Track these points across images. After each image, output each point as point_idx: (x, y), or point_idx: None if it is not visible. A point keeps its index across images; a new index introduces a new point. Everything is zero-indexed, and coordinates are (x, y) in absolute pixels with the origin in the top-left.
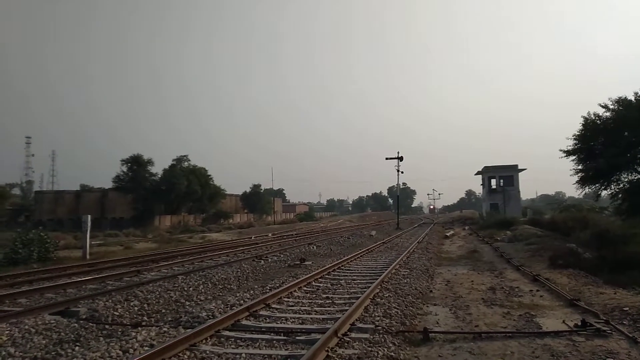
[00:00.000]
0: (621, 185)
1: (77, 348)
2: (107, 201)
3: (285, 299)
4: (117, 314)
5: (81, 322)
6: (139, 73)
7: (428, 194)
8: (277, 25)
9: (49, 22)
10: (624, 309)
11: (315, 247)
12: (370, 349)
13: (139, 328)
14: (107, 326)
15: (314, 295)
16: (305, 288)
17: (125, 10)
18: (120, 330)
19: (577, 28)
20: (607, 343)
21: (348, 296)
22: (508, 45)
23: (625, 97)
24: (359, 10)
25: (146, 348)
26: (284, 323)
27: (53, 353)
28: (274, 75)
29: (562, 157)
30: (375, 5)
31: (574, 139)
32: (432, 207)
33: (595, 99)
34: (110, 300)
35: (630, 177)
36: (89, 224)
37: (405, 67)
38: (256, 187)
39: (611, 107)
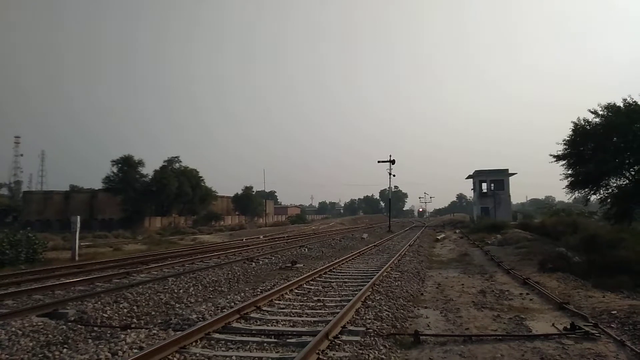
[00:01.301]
0: (610, 190)
1: (65, 350)
2: (96, 202)
3: (277, 302)
4: (106, 315)
5: (69, 324)
6: (142, 70)
7: (420, 198)
8: (283, 25)
9: (49, 19)
10: (612, 312)
11: (306, 249)
12: (361, 351)
13: (128, 330)
14: (95, 328)
15: (305, 298)
16: (296, 290)
17: (129, 7)
18: (109, 332)
19: (576, 32)
20: (595, 346)
21: (339, 299)
22: (510, 48)
23: (614, 103)
24: (364, 11)
25: (135, 350)
26: (275, 325)
27: (40, 355)
28: (277, 75)
29: (552, 162)
30: (379, 6)
31: (564, 143)
32: (421, 209)
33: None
34: (99, 302)
35: (618, 183)
36: (78, 224)
37: (407, 68)
38: (248, 189)
39: (600, 112)
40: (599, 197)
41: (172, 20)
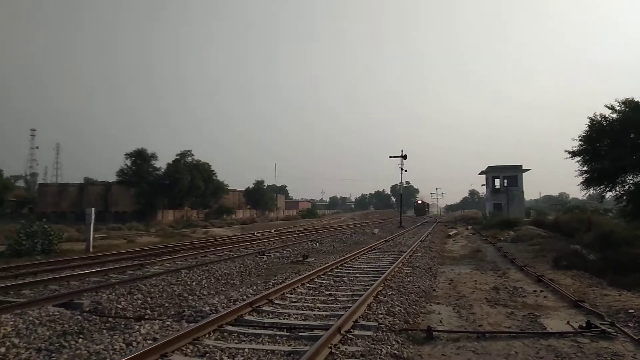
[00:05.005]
0: (626, 187)
1: (80, 340)
2: (110, 195)
3: (288, 295)
4: (121, 307)
5: (85, 314)
6: (135, 75)
7: (431, 193)
8: (275, 26)
9: (53, 19)
10: (629, 311)
11: (317, 244)
12: (373, 346)
13: (142, 321)
14: (110, 319)
15: (317, 292)
16: (308, 284)
17: (125, 10)
18: (123, 323)
19: (576, 41)
20: (612, 345)
21: (351, 293)
22: (505, 54)
23: (632, 99)
24: (358, 14)
25: (149, 341)
26: (287, 319)
27: (57, 344)
28: (271, 77)
29: (567, 158)
30: (375, 11)
31: (580, 139)
32: (419, 201)
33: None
34: (113, 293)
35: (635, 179)
36: (93, 216)
37: (404, 73)
38: (259, 183)
39: (618, 108)
40: (614, 194)
41: (166, 23)
